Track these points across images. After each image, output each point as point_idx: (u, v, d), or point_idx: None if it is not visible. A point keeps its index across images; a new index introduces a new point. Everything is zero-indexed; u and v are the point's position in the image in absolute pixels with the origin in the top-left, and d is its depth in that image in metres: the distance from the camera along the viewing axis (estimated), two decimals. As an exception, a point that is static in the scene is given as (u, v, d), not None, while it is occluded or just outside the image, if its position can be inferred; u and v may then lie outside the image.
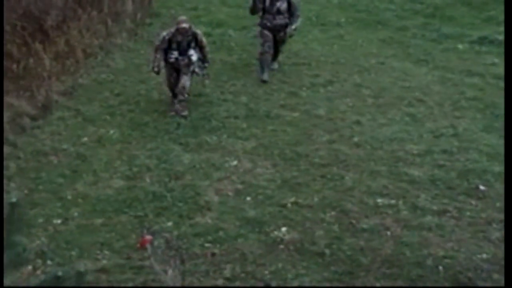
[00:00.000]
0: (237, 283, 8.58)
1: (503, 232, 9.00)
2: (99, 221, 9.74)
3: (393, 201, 10.07)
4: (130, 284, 8.53)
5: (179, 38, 12.20)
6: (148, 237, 8.61)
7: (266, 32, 13.39)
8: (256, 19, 13.66)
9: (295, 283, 8.58)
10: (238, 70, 14.07)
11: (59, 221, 9.74)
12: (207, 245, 9.22)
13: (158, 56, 12.29)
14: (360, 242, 9.27)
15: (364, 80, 13.75)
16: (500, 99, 12.22)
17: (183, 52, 12.23)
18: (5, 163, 10.95)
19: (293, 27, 13.43)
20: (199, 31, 12.47)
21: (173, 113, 12.23)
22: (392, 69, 14.33)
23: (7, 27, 14.01)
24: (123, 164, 11.01)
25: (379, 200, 10.09)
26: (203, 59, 12.42)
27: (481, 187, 10.33)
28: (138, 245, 8.78)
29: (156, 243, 8.73)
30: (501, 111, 11.78)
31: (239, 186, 10.45)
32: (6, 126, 11.71)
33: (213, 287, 8.22)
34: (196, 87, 12.74)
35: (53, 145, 11.55)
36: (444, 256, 8.98)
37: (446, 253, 9.03)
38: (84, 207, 10.03)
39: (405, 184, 10.48)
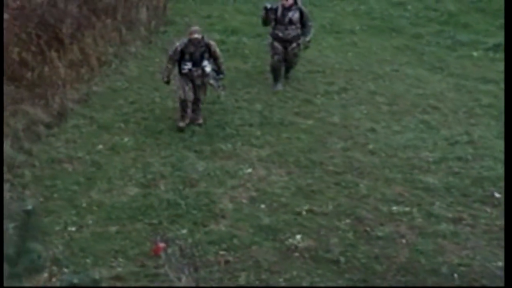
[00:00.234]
0: (252, 291, 8.57)
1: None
2: (113, 228, 9.76)
3: (408, 209, 10.04)
4: (145, 292, 8.55)
5: (192, 49, 12.01)
6: (162, 244, 8.62)
7: (277, 44, 13.24)
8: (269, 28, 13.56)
9: (310, 291, 8.57)
10: (253, 78, 14.08)
11: (74, 229, 9.76)
12: (221, 252, 9.22)
13: (169, 66, 12.16)
14: (375, 249, 9.24)
15: (379, 87, 13.73)
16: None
17: (197, 63, 12.04)
18: (20, 171, 11.00)
19: (308, 38, 13.31)
20: (212, 42, 12.30)
21: (181, 124, 11.99)
22: (406, 76, 14.30)
23: (22, 35, 14.08)
24: (138, 171, 11.03)
25: (394, 208, 10.06)
26: (217, 70, 12.26)
27: (496, 194, 10.29)
28: (152, 252, 8.79)
29: (170, 250, 8.74)
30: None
31: (254, 194, 10.45)
32: (21, 134, 11.76)
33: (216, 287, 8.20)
34: (211, 95, 12.73)
35: (68, 153, 11.58)
36: (459, 264, 8.94)
37: (461, 260, 8.99)
38: (98, 215, 10.05)
39: (420, 191, 10.44)
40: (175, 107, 12.70)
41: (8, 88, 12.88)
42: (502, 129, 12.02)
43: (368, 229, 9.65)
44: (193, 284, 7.64)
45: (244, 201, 10.31)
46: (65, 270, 8.79)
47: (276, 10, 13.12)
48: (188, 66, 12.03)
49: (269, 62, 13.56)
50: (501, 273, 8.55)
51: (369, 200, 10.26)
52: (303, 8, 13.25)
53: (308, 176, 10.86)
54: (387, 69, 14.55)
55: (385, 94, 13.44)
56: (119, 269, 8.95)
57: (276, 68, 13.42)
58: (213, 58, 12.14)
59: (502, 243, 9.28)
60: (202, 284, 8.19)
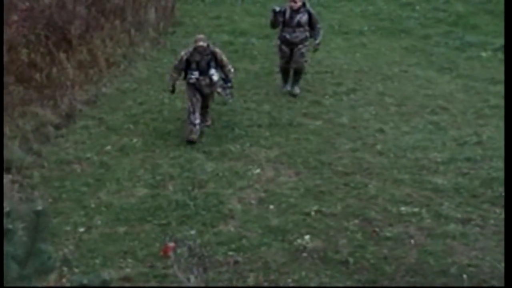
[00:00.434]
0: (261, 292, 8.58)
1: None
2: (122, 229, 9.78)
3: (416, 209, 10.03)
4: (154, 292, 8.56)
5: (198, 57, 11.78)
6: (171, 244, 8.62)
7: (284, 47, 13.10)
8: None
9: (319, 292, 8.57)
10: (261, 79, 14.09)
11: (82, 230, 9.79)
12: (230, 253, 9.22)
13: (174, 75, 11.99)
14: (384, 250, 9.23)
15: (387, 88, 13.71)
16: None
17: (204, 72, 11.79)
18: (29, 172, 11.03)
19: (317, 41, 13.15)
20: (218, 50, 12.07)
21: (191, 137, 11.72)
22: (415, 77, 14.28)
23: (31, 37, 14.12)
24: (147, 172, 11.05)
25: (402, 208, 10.05)
26: (225, 78, 12.09)
27: (506, 195, 10.26)
28: (161, 252, 8.79)
29: (179, 251, 8.75)
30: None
31: (262, 195, 10.45)
32: (30, 135, 11.79)
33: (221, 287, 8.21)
34: (219, 98, 12.72)
35: (77, 154, 11.61)
36: (468, 265, 8.93)
37: (471, 261, 8.98)
38: (107, 216, 10.07)
39: (429, 192, 10.43)
40: (184, 107, 12.70)
41: (17, 89, 12.92)
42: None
43: (377, 229, 9.65)
44: (202, 285, 7.65)
45: (253, 202, 10.31)
46: (75, 270, 8.81)
47: (284, 12, 12.97)
48: (195, 75, 11.79)
49: (278, 63, 13.53)
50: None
51: (378, 200, 10.26)
52: (312, 11, 13.10)
53: (317, 177, 10.86)
54: (395, 70, 14.54)
55: (393, 95, 13.43)
56: (128, 270, 8.97)
57: (284, 70, 13.38)
58: (220, 66, 11.92)
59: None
60: (211, 285, 8.20)
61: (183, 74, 11.96)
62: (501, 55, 15.26)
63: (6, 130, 11.77)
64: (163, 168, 11.15)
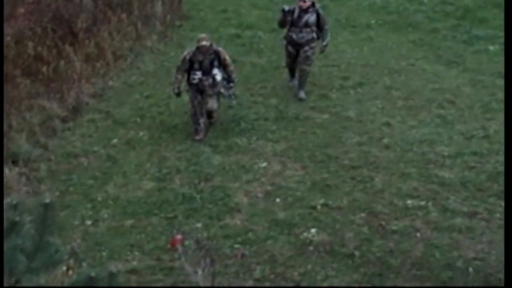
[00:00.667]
0: (267, 284, 8.60)
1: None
2: (129, 222, 9.81)
3: (423, 203, 10.03)
4: (160, 285, 8.58)
5: (201, 57, 11.56)
6: (179, 237, 8.65)
7: (290, 48, 12.84)
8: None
9: (325, 285, 8.58)
10: (268, 73, 14.08)
11: (90, 223, 9.82)
12: (236, 246, 9.25)
13: (179, 77, 11.71)
14: (390, 244, 9.24)
15: (394, 82, 13.70)
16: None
17: (207, 72, 11.59)
18: (36, 165, 11.07)
19: (324, 43, 12.89)
20: (221, 49, 11.80)
21: (198, 137, 11.64)
22: (422, 71, 14.26)
23: (37, 30, 14.15)
24: (153, 166, 11.07)
25: (409, 202, 10.06)
26: (228, 78, 11.79)
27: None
28: (169, 245, 8.81)
29: (186, 243, 8.77)
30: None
31: (269, 188, 10.47)
32: (37, 128, 11.82)
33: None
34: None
35: (84, 147, 11.64)
36: (474, 258, 8.93)
37: (477, 255, 8.98)
38: (114, 209, 10.10)
39: (435, 186, 10.43)
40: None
41: (23, 82, 12.96)
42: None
43: (383, 223, 9.66)
44: (209, 278, 7.67)
45: (259, 195, 10.33)
46: (83, 263, 8.84)
47: (293, 12, 12.68)
48: (198, 75, 11.60)
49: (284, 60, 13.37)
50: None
51: (384, 194, 10.26)
52: (321, 11, 12.82)
53: (324, 170, 10.87)
54: (403, 64, 14.52)
55: (401, 89, 13.41)
56: (135, 263, 9.00)
57: (290, 67, 13.27)
58: (223, 66, 11.70)
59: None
60: (218, 278, 8.22)
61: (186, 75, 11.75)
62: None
63: (13, 123, 11.81)
64: (169, 161, 11.17)
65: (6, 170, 10.64)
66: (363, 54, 15.00)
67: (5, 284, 3.97)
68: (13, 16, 13.96)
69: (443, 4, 17.68)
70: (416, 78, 13.89)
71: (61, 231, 9.21)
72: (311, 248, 9.23)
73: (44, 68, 13.43)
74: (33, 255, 3.95)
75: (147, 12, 16.12)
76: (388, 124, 12.12)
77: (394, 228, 9.54)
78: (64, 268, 8.29)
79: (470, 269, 8.73)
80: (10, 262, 3.91)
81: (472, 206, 9.94)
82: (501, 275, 8.56)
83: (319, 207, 10.01)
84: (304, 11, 12.64)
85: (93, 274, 3.90)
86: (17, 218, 3.94)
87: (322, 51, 13.13)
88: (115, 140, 11.82)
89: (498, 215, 9.75)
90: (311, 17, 12.69)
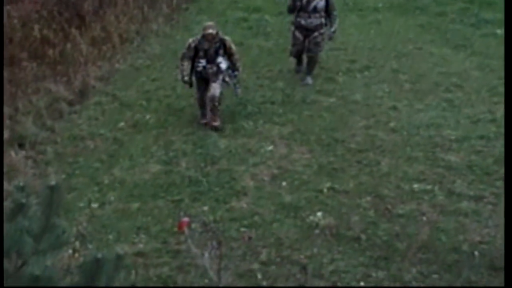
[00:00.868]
0: (273, 268, 8.61)
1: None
2: (135, 205, 9.82)
3: (429, 187, 10.03)
4: (166, 268, 8.60)
5: (206, 45, 11.43)
6: (186, 219, 8.66)
7: (298, 34, 12.69)
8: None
9: (331, 268, 8.59)
10: (275, 56, 14.06)
11: (96, 205, 9.83)
12: (242, 229, 9.26)
13: (184, 64, 11.58)
14: (396, 227, 9.25)
15: (401, 66, 13.67)
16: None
17: (211, 60, 11.47)
18: (42, 147, 11.08)
19: (333, 29, 12.73)
20: (227, 38, 11.66)
21: (204, 121, 11.62)
22: (430, 54, 14.22)
23: (43, 13, 14.14)
24: (160, 149, 11.08)
25: (415, 186, 10.05)
26: (232, 67, 11.65)
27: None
28: (176, 228, 8.83)
29: (193, 226, 8.79)
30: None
31: (275, 172, 10.47)
32: (43, 111, 11.84)
33: None
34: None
35: (90, 130, 11.65)
36: (480, 242, 8.93)
37: (483, 238, 8.98)
38: (121, 192, 10.11)
39: (442, 169, 10.42)
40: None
41: (30, 66, 12.96)
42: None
43: (389, 207, 9.65)
44: (216, 260, 7.68)
45: (266, 178, 10.33)
46: (89, 246, 8.87)
47: None
48: (202, 63, 11.48)
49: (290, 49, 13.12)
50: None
51: (391, 178, 10.26)
52: None
53: (330, 154, 10.86)
54: (410, 48, 14.48)
55: (408, 73, 13.38)
56: (141, 246, 9.02)
57: (296, 56, 13.08)
58: (228, 54, 11.56)
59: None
60: (224, 260, 8.23)
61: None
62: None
63: (20, 106, 11.84)
64: (176, 144, 11.17)
65: (12, 153, 10.66)
66: (370, 38, 14.97)
67: (12, 265, 3.98)
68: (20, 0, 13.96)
69: (451, -13, 17.60)
70: (423, 62, 13.86)
71: (68, 213, 9.25)
72: (317, 231, 9.23)
73: (51, 51, 13.43)
74: (39, 237, 3.96)
75: (153, -5, 16.09)
76: (395, 108, 12.10)
77: (400, 211, 9.54)
78: (71, 250, 8.33)
79: (476, 253, 8.73)
80: (17, 244, 3.92)
81: (479, 190, 9.94)
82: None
83: (325, 190, 10.01)
84: None
85: (99, 256, 3.91)
86: (23, 200, 3.95)
87: (330, 38, 12.93)
88: (121, 123, 11.83)
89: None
90: (320, 3, 12.56)
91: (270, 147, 11.04)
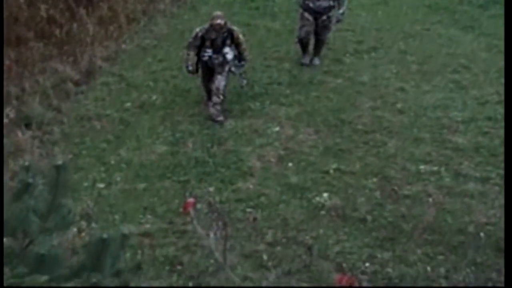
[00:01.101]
0: (279, 248, 8.63)
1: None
2: (142, 186, 9.84)
3: (436, 168, 10.02)
4: (172, 248, 8.62)
5: (213, 35, 11.19)
6: (191, 200, 8.66)
7: (307, 15, 12.46)
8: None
9: (336, 249, 8.61)
10: (282, 37, 14.01)
11: (102, 186, 9.85)
12: (248, 210, 9.27)
13: (190, 53, 11.36)
14: (402, 208, 9.25)
15: (409, 47, 13.62)
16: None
17: (218, 50, 11.23)
18: (49, 128, 11.09)
19: (341, 11, 12.55)
20: (235, 28, 11.41)
21: (219, 119, 11.28)
22: (437, 35, 14.16)
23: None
24: (166, 130, 11.08)
25: (421, 167, 10.04)
26: (239, 57, 11.43)
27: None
28: (182, 209, 8.84)
29: (198, 207, 8.80)
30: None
31: (282, 152, 10.46)
32: (50, 91, 11.84)
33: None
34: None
35: (97, 110, 11.65)
36: (486, 223, 8.93)
37: (489, 220, 8.98)
38: (127, 172, 10.13)
39: (449, 151, 10.41)
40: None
41: (36, 45, 12.95)
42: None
43: (395, 188, 9.65)
44: (221, 241, 7.70)
45: (272, 159, 10.33)
46: (94, 225, 8.90)
47: None
48: (208, 53, 11.25)
49: (296, 34, 12.88)
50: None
51: (397, 159, 10.25)
52: None
53: (337, 135, 10.85)
54: (417, 28, 14.42)
55: (415, 54, 13.34)
56: (148, 226, 9.04)
57: (303, 40, 12.76)
58: (236, 44, 11.30)
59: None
60: (230, 241, 8.26)
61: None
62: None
63: (26, 86, 11.83)
64: (182, 125, 11.17)
65: (19, 133, 10.68)
66: (377, 18, 14.91)
67: (19, 245, 4.00)
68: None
69: (459, -33, 17.49)
70: (431, 43, 13.81)
71: (74, 193, 9.26)
72: (323, 212, 9.25)
73: (57, 31, 13.41)
74: (46, 216, 3.97)
75: (160, -26, 16.03)
76: (402, 89, 12.07)
77: (407, 193, 9.54)
78: (76, 229, 8.36)
79: (482, 234, 8.74)
80: (23, 223, 3.94)
81: (485, 172, 9.93)
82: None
83: (331, 171, 10.01)
84: None
85: (105, 236, 3.92)
86: (30, 180, 3.96)
87: (338, 20, 12.75)
88: (128, 104, 11.82)
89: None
90: None
91: (277, 128, 11.03)
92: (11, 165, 9.18)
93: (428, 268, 8.36)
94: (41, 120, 11.16)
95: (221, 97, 11.29)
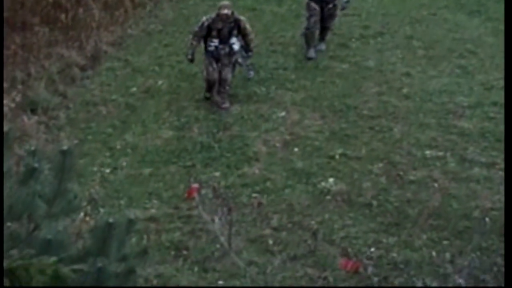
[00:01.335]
0: (284, 233, 8.64)
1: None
2: (147, 171, 9.85)
3: (441, 153, 10.01)
4: (178, 233, 8.65)
5: (220, 25, 11.00)
6: (195, 186, 8.68)
7: (313, 4, 12.32)
8: None
9: (342, 234, 8.62)
10: (288, 21, 13.97)
11: (108, 171, 9.87)
12: (254, 195, 9.28)
13: (194, 43, 11.17)
14: (408, 193, 9.25)
15: (415, 32, 13.57)
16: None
17: (224, 41, 11.07)
18: (55, 113, 11.10)
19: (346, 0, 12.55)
20: (242, 18, 11.25)
21: (208, 95, 11.30)
22: (444, 20, 14.11)
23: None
24: (172, 115, 11.08)
25: (427, 152, 10.04)
26: (246, 48, 11.28)
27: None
28: (187, 195, 8.86)
29: (204, 192, 8.82)
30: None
31: (287, 137, 10.46)
32: (55, 77, 11.84)
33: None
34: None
35: (103, 95, 11.66)
36: (491, 208, 8.93)
37: (494, 205, 8.97)
38: (133, 157, 10.14)
39: (454, 136, 10.40)
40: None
41: (42, 31, 12.94)
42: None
43: (401, 173, 9.65)
44: (226, 226, 7.72)
45: (278, 144, 10.33)
46: (100, 210, 8.92)
47: None
48: (214, 43, 11.08)
49: (304, 25, 12.61)
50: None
51: (403, 144, 10.24)
52: None
53: (342, 120, 10.84)
54: (424, 13, 14.36)
55: (421, 39, 13.29)
56: (153, 211, 9.07)
57: (311, 31, 12.50)
58: (243, 34, 11.15)
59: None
60: (235, 226, 8.28)
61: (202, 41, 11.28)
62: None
63: (32, 71, 11.84)
64: (188, 110, 11.17)
65: (25, 118, 10.69)
66: (383, 3, 14.85)
67: (25, 229, 4.01)
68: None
69: (466, -49, 17.40)
70: (437, 28, 13.75)
71: (80, 178, 9.28)
72: (328, 197, 9.25)
73: (63, 16, 13.40)
74: (52, 201, 3.98)
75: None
76: (408, 74, 12.05)
77: (412, 178, 9.54)
78: (82, 214, 8.38)
79: (487, 219, 8.74)
80: (29, 208, 3.95)
81: (491, 157, 9.92)
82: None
83: (337, 156, 10.01)
84: None
85: (111, 220, 3.93)
86: (36, 165, 3.96)
87: (343, 8, 12.72)
88: (134, 89, 11.83)
89: (517, 165, 9.72)
90: None
91: (283, 113, 11.03)
92: (16, 150, 9.19)
93: (433, 253, 8.37)
94: (47, 105, 11.18)
95: (227, 87, 11.23)
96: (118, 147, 10.38)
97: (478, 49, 12.90)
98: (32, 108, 11.04)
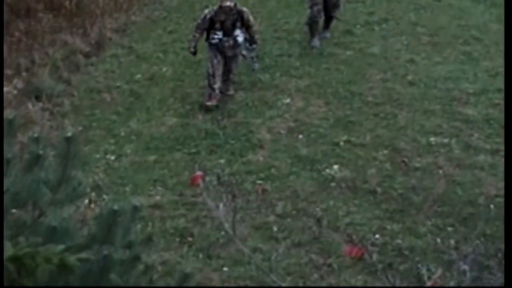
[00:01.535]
0: (289, 220, 8.65)
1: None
2: (152, 158, 9.86)
3: (446, 140, 10.00)
4: (183, 220, 8.66)
5: (223, 17, 10.84)
6: (199, 173, 8.70)
7: None
8: None
9: (346, 220, 8.63)
10: (292, 8, 13.93)
11: (113, 158, 9.88)
12: (259, 182, 9.28)
13: (197, 35, 11.01)
14: (412, 180, 9.25)
15: (420, 18, 13.52)
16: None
17: (228, 33, 10.90)
18: (59, 100, 11.11)
19: None
20: (245, 9, 11.07)
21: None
22: (449, 7, 14.06)
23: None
24: (176, 102, 11.07)
25: (432, 139, 10.03)
26: (250, 40, 11.11)
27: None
28: (190, 182, 8.87)
29: (208, 179, 8.82)
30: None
31: (292, 124, 10.46)
32: (60, 63, 11.84)
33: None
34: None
35: (107, 82, 11.65)
36: (496, 195, 8.92)
37: (498, 192, 8.95)
38: (137, 144, 10.15)
39: (459, 123, 10.38)
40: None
41: (46, 17, 12.93)
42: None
43: (405, 160, 9.65)
44: (231, 213, 7.73)
45: (282, 131, 10.33)
46: (105, 197, 8.94)
47: None
48: (218, 35, 10.91)
49: (307, 15, 12.48)
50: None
51: (408, 131, 10.23)
52: None
53: (347, 107, 10.83)
54: (429, 0, 14.32)
55: (426, 25, 13.25)
56: (158, 198, 9.08)
57: (314, 20, 12.38)
58: (246, 26, 10.97)
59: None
60: (240, 213, 8.28)
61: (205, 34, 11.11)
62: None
63: (36, 58, 11.83)
64: (192, 97, 11.16)
65: (29, 105, 10.70)
66: (388, -11, 14.79)
67: (29, 216, 4.02)
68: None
69: None
70: (442, 14, 13.71)
71: (84, 165, 9.29)
72: (333, 184, 9.25)
73: (67, 3, 13.38)
74: (56, 188, 3.98)
75: None
76: (412, 61, 12.01)
77: (417, 165, 9.53)
78: (87, 201, 8.40)
79: (492, 206, 8.74)
80: (34, 195, 3.95)
81: (495, 144, 9.90)
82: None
83: (342, 143, 10.01)
84: None
85: (116, 207, 3.93)
86: (40, 152, 3.97)
87: None
88: (138, 76, 11.82)
89: (522, 152, 9.70)
90: None
91: (287, 100, 11.01)
92: (20, 137, 9.20)
93: (438, 240, 8.37)
94: (51, 92, 11.17)
95: (231, 75, 11.15)
96: (123, 134, 10.38)
97: (483, 35, 12.86)
98: (37, 95, 11.04)
